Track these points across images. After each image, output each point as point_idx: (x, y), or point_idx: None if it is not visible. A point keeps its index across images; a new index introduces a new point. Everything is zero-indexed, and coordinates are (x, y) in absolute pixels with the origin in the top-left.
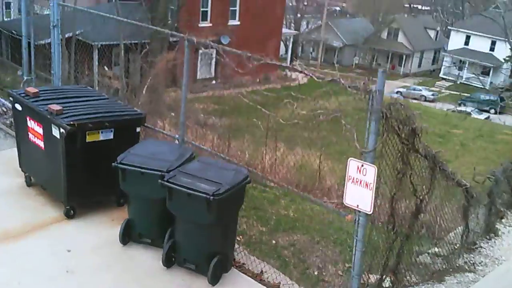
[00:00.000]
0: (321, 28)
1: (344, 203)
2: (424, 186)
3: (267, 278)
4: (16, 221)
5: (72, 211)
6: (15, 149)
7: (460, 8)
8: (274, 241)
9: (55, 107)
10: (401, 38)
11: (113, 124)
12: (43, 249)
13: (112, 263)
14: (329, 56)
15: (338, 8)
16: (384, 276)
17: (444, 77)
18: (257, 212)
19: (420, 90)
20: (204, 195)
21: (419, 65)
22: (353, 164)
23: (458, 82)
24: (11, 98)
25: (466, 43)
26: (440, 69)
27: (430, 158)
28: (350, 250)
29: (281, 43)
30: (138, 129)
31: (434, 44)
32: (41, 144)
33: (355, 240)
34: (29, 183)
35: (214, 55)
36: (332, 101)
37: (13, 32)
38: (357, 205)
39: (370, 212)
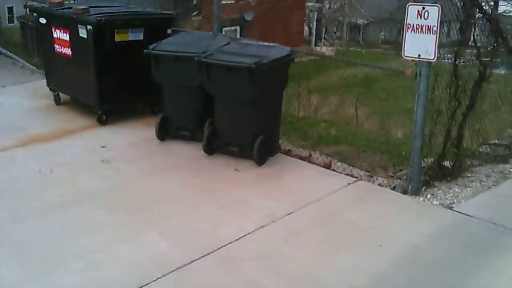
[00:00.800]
0: (343, 7)
1: (403, 56)
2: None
3: (316, 159)
4: (48, 129)
5: (104, 117)
6: (42, 81)
7: None
8: (318, 151)
9: (80, 7)
10: None
11: (142, 23)
12: (76, 146)
13: (150, 154)
14: (354, 35)
15: None
16: (446, 148)
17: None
18: (298, 132)
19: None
20: (246, 65)
21: (448, 35)
22: (412, 10)
23: (489, 49)
24: (35, 14)
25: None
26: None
27: (494, 21)
28: (400, 156)
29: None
30: (169, 31)
31: (460, 14)
32: (68, 52)
33: (417, 95)
34: (58, 102)
35: (238, 31)
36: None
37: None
38: (419, 55)
39: (434, 59)
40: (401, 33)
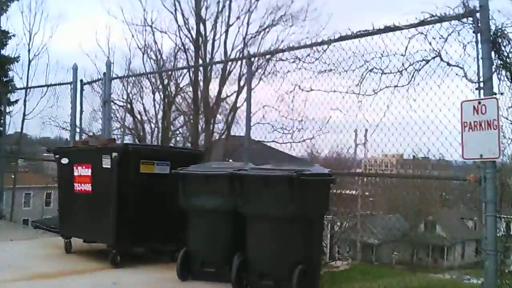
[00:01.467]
0: (355, 227)
1: (463, 158)
2: None
3: None
4: (55, 269)
5: (119, 258)
6: (53, 238)
7: None
8: None
9: (106, 139)
10: (439, 230)
11: (168, 155)
12: (84, 282)
13: None
14: (367, 254)
15: (368, 213)
16: None
17: None
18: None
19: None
20: (286, 174)
21: (462, 257)
22: (467, 107)
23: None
24: (57, 156)
25: (507, 230)
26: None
27: None
28: None
29: None
30: None
31: (474, 234)
32: (88, 188)
33: (484, 203)
34: (69, 250)
35: None
36: None
37: None
38: (480, 155)
39: (499, 157)
40: (414, 254)
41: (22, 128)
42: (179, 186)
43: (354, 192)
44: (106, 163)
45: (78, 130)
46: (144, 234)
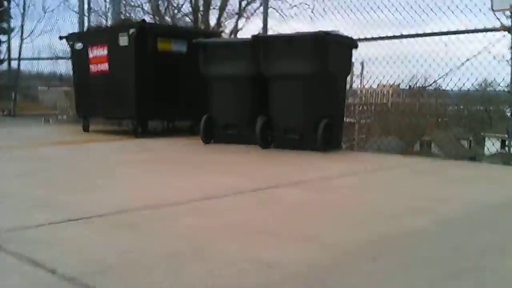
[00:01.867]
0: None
1: (493, 9)
2: None
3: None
4: (77, 139)
5: (140, 129)
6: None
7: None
8: None
9: (121, 19)
10: (434, 149)
11: (185, 34)
12: (111, 146)
13: (195, 150)
14: None
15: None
16: None
17: None
18: None
19: None
20: (311, 33)
21: None
22: None
23: None
24: (70, 42)
25: (502, 147)
26: None
27: None
28: None
29: None
30: None
31: (468, 152)
32: (105, 67)
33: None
34: (86, 129)
35: None
36: None
37: None
38: (510, 5)
39: None
40: None
41: (19, 57)
42: (200, 55)
43: (352, 120)
44: (124, 41)
45: (86, 19)
46: (162, 107)
